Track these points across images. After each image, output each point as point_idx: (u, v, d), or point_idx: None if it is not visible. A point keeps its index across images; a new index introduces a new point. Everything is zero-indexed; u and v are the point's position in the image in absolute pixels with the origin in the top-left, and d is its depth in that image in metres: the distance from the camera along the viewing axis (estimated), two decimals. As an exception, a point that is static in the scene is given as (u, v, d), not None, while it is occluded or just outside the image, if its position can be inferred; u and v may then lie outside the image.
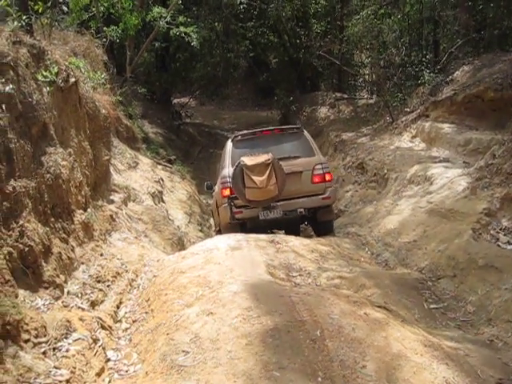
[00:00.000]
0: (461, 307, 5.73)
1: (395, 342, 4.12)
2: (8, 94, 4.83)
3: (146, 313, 5.36)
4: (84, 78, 8.27)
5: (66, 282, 5.14)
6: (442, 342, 4.46)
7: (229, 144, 9.58)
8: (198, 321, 4.51)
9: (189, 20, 17.27)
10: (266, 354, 3.90)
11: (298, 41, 23.75)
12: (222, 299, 4.84)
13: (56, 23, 9.25)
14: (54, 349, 3.99)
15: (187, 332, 4.36)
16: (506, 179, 7.05)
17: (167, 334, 4.44)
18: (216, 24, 21.73)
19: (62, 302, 4.79)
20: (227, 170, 9.06)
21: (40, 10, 6.80)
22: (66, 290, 5.03)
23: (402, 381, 3.70)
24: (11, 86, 4.90)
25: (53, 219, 5.43)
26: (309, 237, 9.47)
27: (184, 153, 20.77)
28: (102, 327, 4.78)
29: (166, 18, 15.73)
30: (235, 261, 6.14)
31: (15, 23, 5.73)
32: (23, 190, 4.71)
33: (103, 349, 4.47)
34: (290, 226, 9.81)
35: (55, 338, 4.08)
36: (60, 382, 3.66)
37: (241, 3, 19.48)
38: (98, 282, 5.65)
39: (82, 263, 5.78)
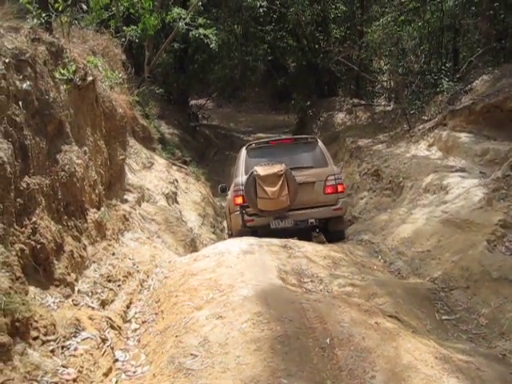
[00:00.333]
0: (473, 319, 5.62)
1: (406, 353, 4.07)
2: (25, 90, 4.85)
3: (156, 314, 5.35)
4: (102, 77, 8.33)
5: (76, 280, 5.14)
6: (453, 355, 4.39)
7: (243, 152, 9.70)
8: (207, 324, 4.49)
9: (208, 22, 17.36)
10: (275, 361, 3.87)
11: (316, 45, 23.68)
12: (232, 303, 4.82)
13: (75, 21, 9.31)
14: (62, 347, 3.98)
15: (196, 335, 4.34)
16: (523, 191, 6.97)
17: (176, 337, 4.42)
18: (235, 27, 21.72)
19: (72, 301, 4.79)
20: (240, 179, 9.23)
21: (60, 8, 6.82)
22: (76, 289, 5.03)
23: (412, 393, 3.65)
24: (28, 82, 4.92)
25: (66, 217, 5.44)
26: (321, 243, 9.43)
27: (199, 154, 20.83)
28: (111, 327, 4.77)
29: (185, 19, 15.79)
30: (247, 265, 6.11)
31: (35, 21, 5.77)
32: (37, 187, 4.72)
33: (111, 349, 4.46)
34: (301, 233, 9.86)
35: (64, 337, 4.08)
36: (67, 380, 3.66)
37: (261, 6, 19.44)
38: (109, 281, 5.65)
39: (94, 262, 5.77)
